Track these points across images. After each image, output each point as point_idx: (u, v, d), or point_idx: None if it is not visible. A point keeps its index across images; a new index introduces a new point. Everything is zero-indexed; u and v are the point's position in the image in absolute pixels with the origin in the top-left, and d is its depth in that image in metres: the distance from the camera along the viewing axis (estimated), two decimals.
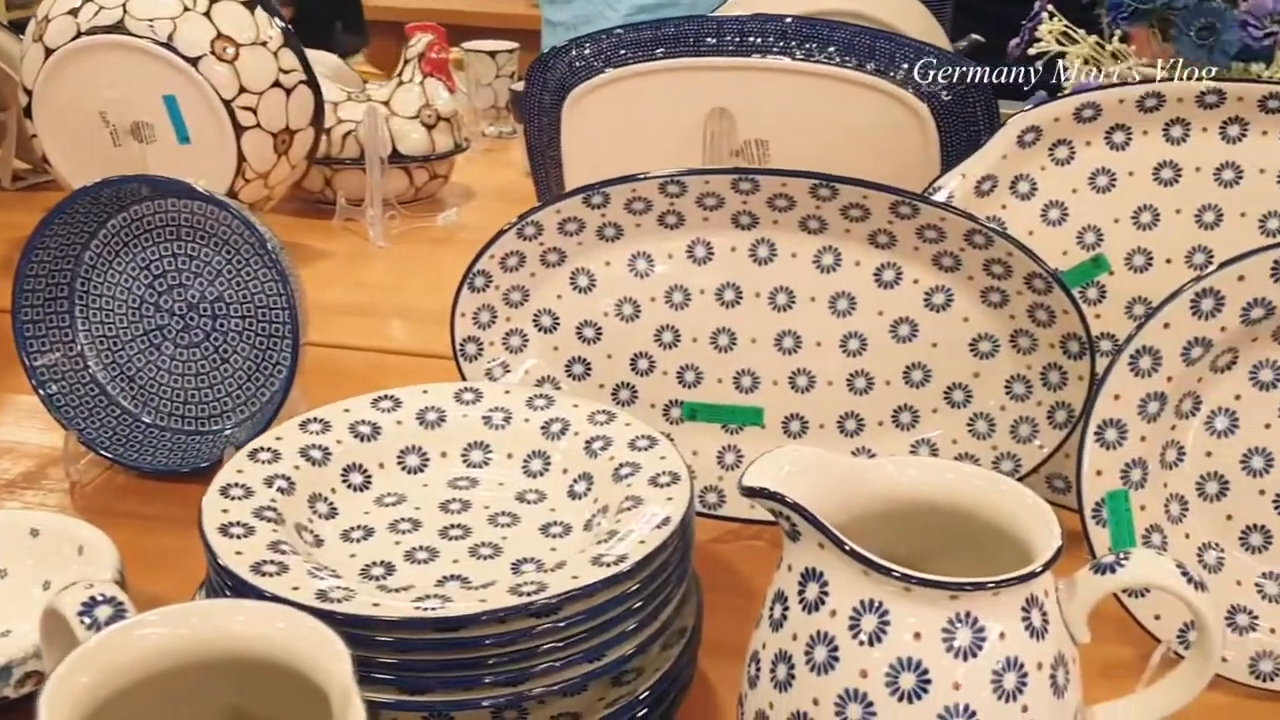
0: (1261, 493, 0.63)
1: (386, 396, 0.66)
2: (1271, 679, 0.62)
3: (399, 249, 1.27)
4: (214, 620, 0.41)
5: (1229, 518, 0.64)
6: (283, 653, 0.41)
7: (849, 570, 0.45)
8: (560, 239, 0.70)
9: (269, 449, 0.61)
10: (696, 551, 0.65)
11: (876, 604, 0.44)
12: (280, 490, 0.59)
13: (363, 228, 1.30)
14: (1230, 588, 0.63)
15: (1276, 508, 0.63)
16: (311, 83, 1.17)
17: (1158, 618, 0.62)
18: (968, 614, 0.43)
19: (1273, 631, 0.63)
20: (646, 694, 0.55)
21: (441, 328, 0.74)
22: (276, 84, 1.13)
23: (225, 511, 0.55)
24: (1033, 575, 0.43)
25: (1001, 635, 0.43)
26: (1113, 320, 0.75)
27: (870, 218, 0.68)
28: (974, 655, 0.43)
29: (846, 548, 0.44)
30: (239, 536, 0.54)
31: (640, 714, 0.55)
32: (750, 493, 0.46)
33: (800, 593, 0.46)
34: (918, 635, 0.43)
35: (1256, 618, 0.63)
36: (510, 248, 0.69)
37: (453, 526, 0.59)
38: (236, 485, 0.58)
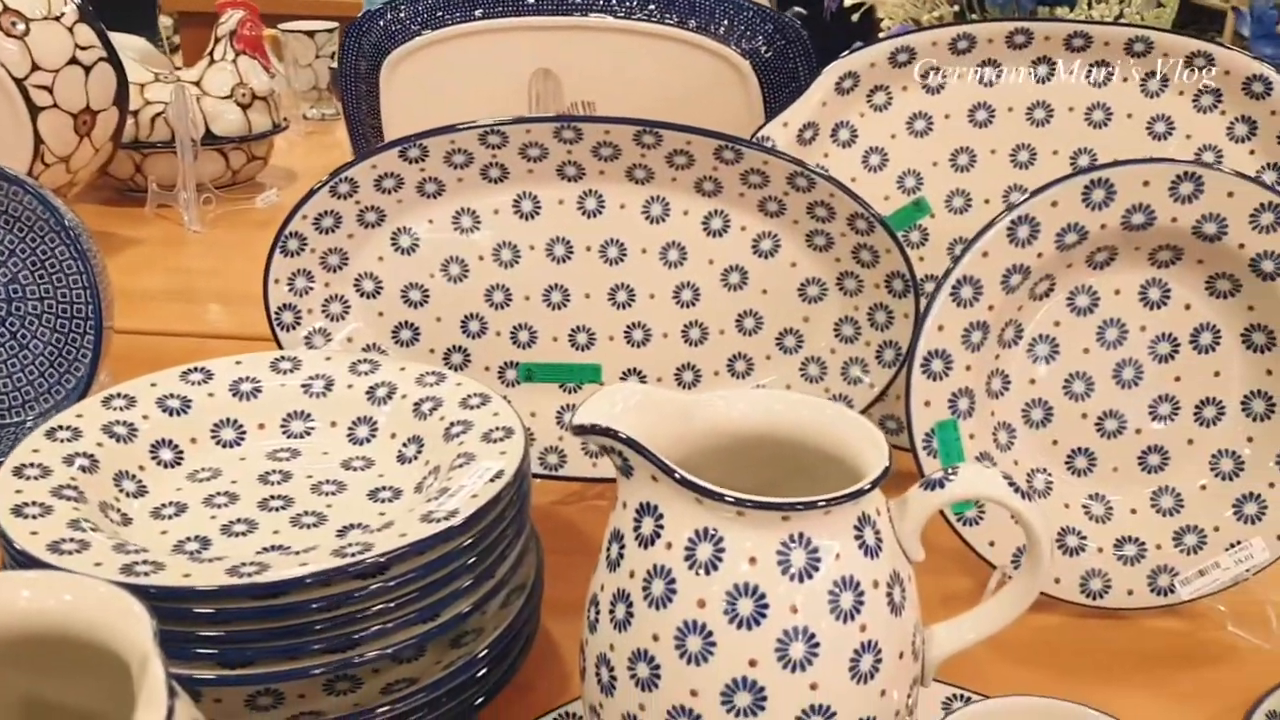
0: (1084, 416, 0.65)
1: (196, 369, 0.63)
2: (1101, 596, 0.64)
3: (216, 233, 1.22)
4: None
5: (1054, 443, 0.66)
6: (77, 625, 0.38)
7: (682, 500, 0.43)
8: (378, 196, 0.67)
9: (68, 427, 0.57)
10: (539, 514, 0.64)
11: (711, 532, 0.43)
12: (81, 469, 0.55)
13: (177, 214, 1.24)
14: (1059, 510, 0.65)
15: (1098, 430, 0.65)
16: (113, 60, 1.10)
17: (992, 544, 0.63)
18: (801, 535, 0.43)
19: (1100, 551, 0.64)
20: (486, 652, 0.53)
21: (263, 310, 0.70)
22: (74, 61, 1.06)
23: (19, 492, 0.51)
24: (862, 492, 0.43)
25: (836, 555, 0.43)
26: (936, 262, 0.76)
27: (695, 164, 0.67)
28: (810, 576, 0.42)
29: (677, 476, 0.43)
30: (35, 516, 0.50)
31: (480, 673, 0.53)
32: (581, 430, 0.45)
33: (636, 529, 0.45)
34: (753, 560, 0.42)
35: (1085, 538, 0.64)
36: (324, 207, 0.66)
37: (273, 498, 0.56)
38: (32, 465, 0.53)
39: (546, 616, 0.62)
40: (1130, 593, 0.64)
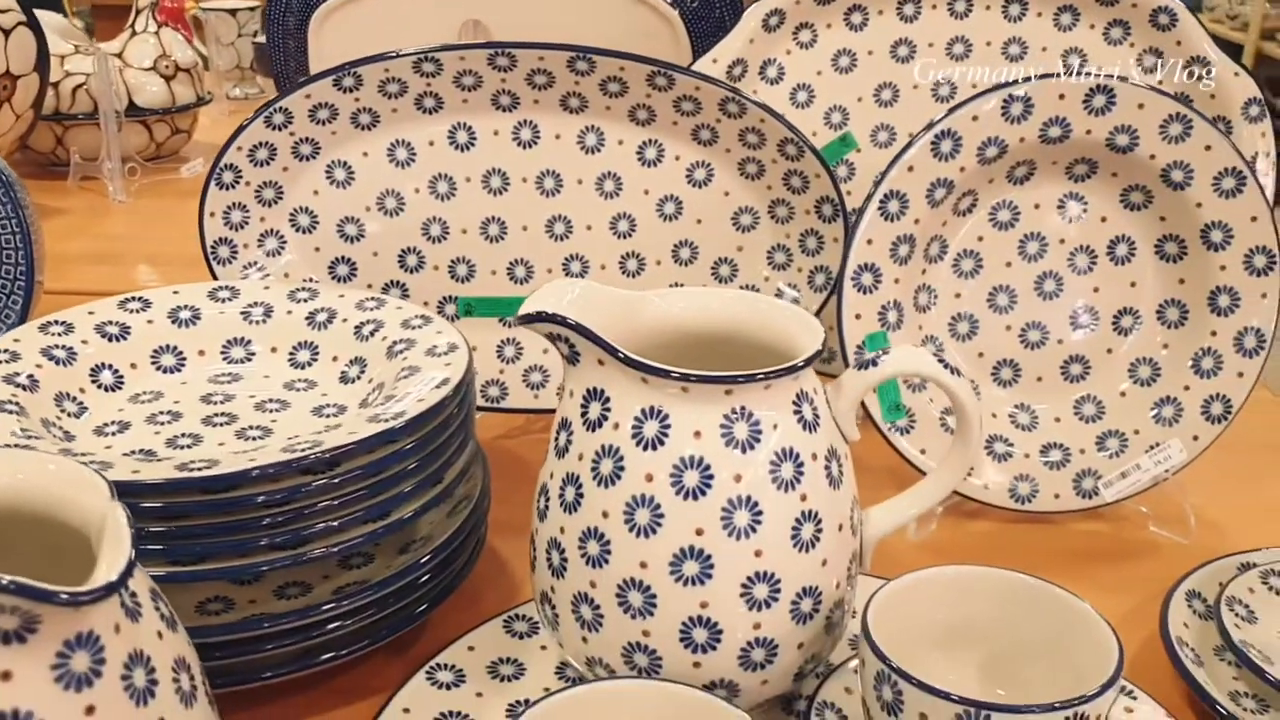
0: (1008, 328, 0.67)
1: (134, 298, 0.63)
2: (1029, 501, 0.66)
3: (142, 203, 1.21)
4: None
5: (980, 355, 0.68)
6: (31, 501, 0.38)
7: (628, 381, 0.45)
8: (312, 128, 0.67)
9: (6, 350, 0.57)
10: (486, 448, 0.64)
11: (657, 410, 0.44)
12: (22, 387, 0.54)
13: (101, 185, 1.22)
14: (987, 420, 0.67)
15: (1022, 342, 0.68)
16: (32, 25, 1.09)
17: (923, 451, 0.65)
18: (743, 409, 0.44)
19: (1027, 456, 0.67)
20: (430, 558, 0.53)
21: (197, 270, 0.70)
22: None
23: None
24: (798, 367, 0.44)
25: (775, 427, 0.44)
26: (863, 196, 0.78)
27: (629, 92, 0.68)
28: (752, 448, 0.44)
29: (622, 356, 0.44)
30: None
31: (423, 579, 0.53)
32: (528, 319, 0.46)
33: (583, 414, 0.46)
34: (698, 434, 0.44)
35: (1012, 445, 0.67)
36: (258, 138, 0.66)
37: (217, 415, 0.56)
38: None
39: (493, 536, 0.63)
40: (1057, 496, 0.66)
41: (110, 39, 1.37)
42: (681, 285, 0.73)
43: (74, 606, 0.30)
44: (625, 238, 0.72)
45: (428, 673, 0.51)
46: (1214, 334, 0.65)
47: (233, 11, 1.62)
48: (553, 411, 0.74)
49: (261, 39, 1.56)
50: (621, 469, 0.44)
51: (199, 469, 0.46)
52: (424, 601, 0.54)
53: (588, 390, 0.46)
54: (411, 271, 0.72)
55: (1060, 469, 0.66)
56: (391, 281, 0.72)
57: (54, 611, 0.31)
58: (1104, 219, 0.66)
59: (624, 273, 0.73)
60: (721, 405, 0.44)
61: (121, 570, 0.31)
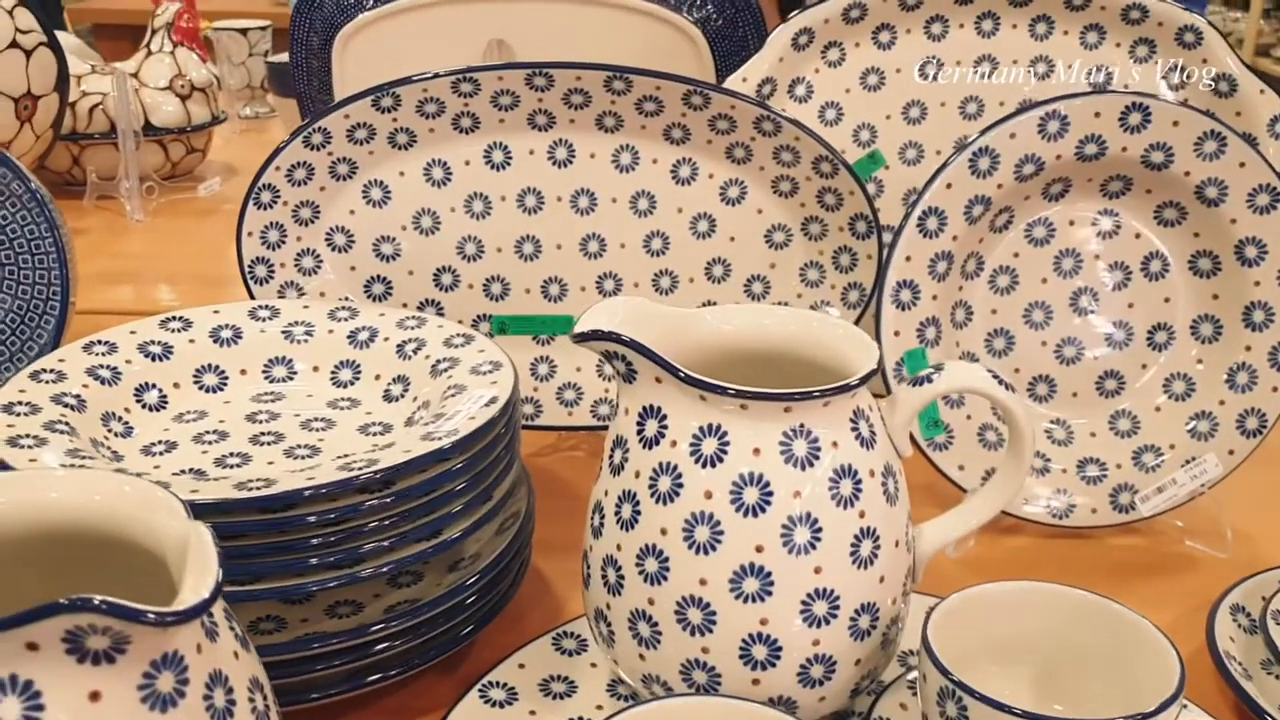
0: (1044, 344, 0.68)
1: (175, 318, 0.63)
2: (1066, 516, 0.66)
3: (159, 221, 1.21)
4: (21, 492, 0.37)
5: (1016, 371, 0.68)
6: (106, 523, 0.38)
7: (686, 398, 0.45)
8: (350, 148, 0.68)
9: (52, 370, 0.57)
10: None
11: (715, 427, 0.44)
12: (70, 407, 0.54)
13: (118, 204, 1.22)
14: None
15: (1057, 357, 0.68)
16: (53, 45, 1.09)
17: (961, 468, 0.66)
18: (802, 426, 0.44)
19: (1064, 471, 0.67)
20: (476, 579, 0.53)
21: (217, 289, 0.70)
22: (14, 44, 1.05)
23: (11, 426, 0.51)
24: (858, 383, 0.45)
25: (834, 444, 0.44)
26: (892, 213, 0.79)
27: (664, 111, 0.69)
28: (811, 465, 0.44)
29: (682, 375, 0.44)
30: (31, 447, 0.49)
31: (470, 600, 0.53)
32: (583, 337, 0.46)
33: (639, 431, 0.46)
34: (757, 451, 0.44)
35: (1049, 460, 0.67)
36: (297, 158, 0.67)
37: (264, 434, 0.57)
38: (21, 404, 0.53)
39: (536, 555, 0.63)
40: (1094, 511, 0.66)
41: (111, 59, 1.37)
42: (714, 303, 0.74)
43: (162, 627, 0.30)
44: (659, 256, 0.73)
45: (480, 691, 0.51)
46: (1248, 349, 0.65)
47: (244, 31, 1.63)
48: (586, 429, 0.74)
49: (273, 58, 1.56)
50: (680, 486, 0.45)
51: (257, 488, 0.46)
52: (472, 622, 0.54)
53: (644, 408, 0.46)
54: (446, 290, 0.72)
55: (1097, 484, 0.67)
56: (426, 300, 0.72)
57: (143, 632, 0.31)
58: (1138, 235, 0.67)
59: (657, 290, 0.73)
60: (780, 423, 0.44)
61: (212, 589, 0.31)
